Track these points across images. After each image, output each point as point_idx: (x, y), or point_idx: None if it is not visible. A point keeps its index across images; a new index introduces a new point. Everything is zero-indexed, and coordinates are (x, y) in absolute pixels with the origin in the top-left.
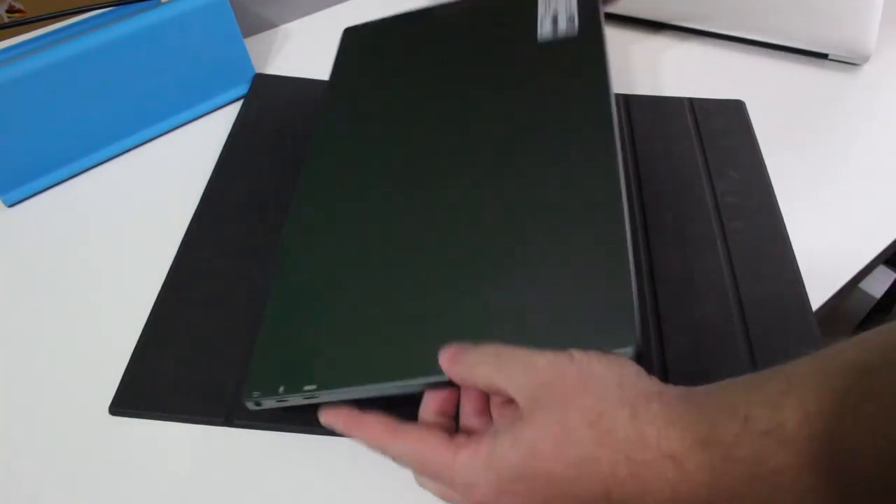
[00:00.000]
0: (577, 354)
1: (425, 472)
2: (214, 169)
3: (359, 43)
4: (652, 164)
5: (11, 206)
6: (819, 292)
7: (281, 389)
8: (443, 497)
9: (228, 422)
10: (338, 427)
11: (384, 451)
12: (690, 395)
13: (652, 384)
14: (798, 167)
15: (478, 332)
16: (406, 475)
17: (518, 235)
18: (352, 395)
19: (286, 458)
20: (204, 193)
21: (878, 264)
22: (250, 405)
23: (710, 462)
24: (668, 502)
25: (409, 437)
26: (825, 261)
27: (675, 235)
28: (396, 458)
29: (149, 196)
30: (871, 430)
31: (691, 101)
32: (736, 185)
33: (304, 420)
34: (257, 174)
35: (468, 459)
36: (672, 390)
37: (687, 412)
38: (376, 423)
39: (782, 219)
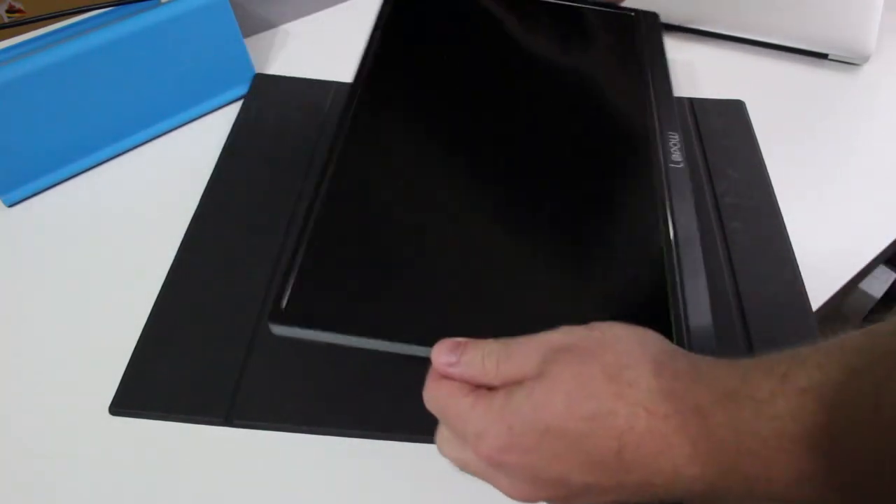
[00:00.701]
0: (596, 323)
1: (446, 418)
2: (214, 169)
3: (413, 9)
4: None
5: (11, 206)
6: (819, 292)
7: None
8: (459, 464)
9: (228, 422)
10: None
11: (424, 392)
12: (719, 358)
13: (676, 347)
14: (798, 167)
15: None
16: (406, 475)
17: (563, 230)
18: (367, 345)
19: (286, 458)
20: (204, 193)
21: (878, 264)
22: (275, 327)
23: (739, 418)
24: (687, 462)
25: (442, 384)
26: (825, 261)
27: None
28: (427, 402)
29: (149, 196)
30: None
31: (691, 100)
32: (736, 185)
33: (304, 420)
34: (257, 174)
35: (483, 410)
36: (698, 354)
37: (716, 367)
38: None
39: (782, 219)
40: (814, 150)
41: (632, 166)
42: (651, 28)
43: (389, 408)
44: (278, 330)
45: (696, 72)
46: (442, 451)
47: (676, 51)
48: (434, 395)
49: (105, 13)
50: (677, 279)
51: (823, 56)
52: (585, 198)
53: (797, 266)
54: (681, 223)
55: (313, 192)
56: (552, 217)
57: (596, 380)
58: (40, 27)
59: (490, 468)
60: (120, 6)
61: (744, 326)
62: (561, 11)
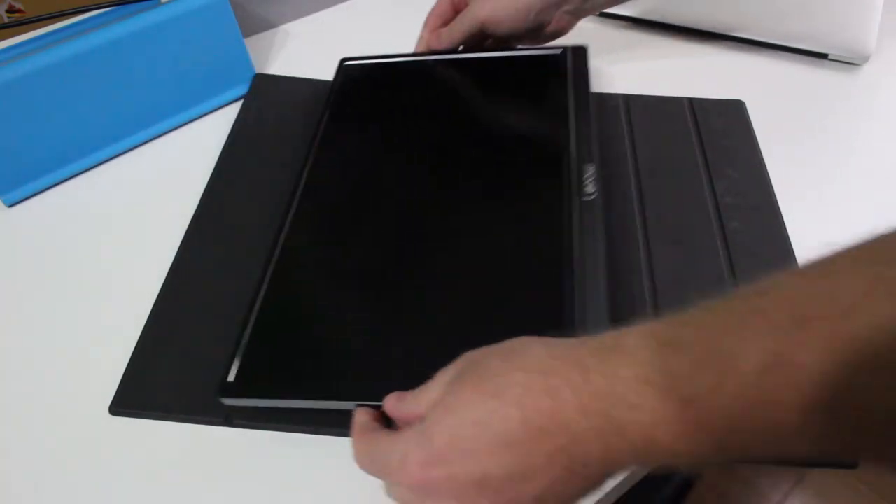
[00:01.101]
0: None
1: (374, 461)
2: (214, 169)
3: (357, 78)
4: (652, 164)
5: (11, 206)
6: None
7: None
8: (403, 500)
9: (228, 421)
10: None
11: (353, 451)
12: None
13: None
14: (798, 167)
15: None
16: None
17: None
18: (296, 405)
19: (286, 458)
20: (204, 193)
21: None
22: (225, 399)
23: (609, 363)
24: (576, 412)
25: (362, 436)
26: None
27: (675, 235)
28: (356, 457)
29: (149, 196)
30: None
31: (691, 101)
32: (736, 185)
33: (304, 420)
34: (257, 174)
35: (404, 436)
36: None
37: (599, 334)
38: (353, 430)
39: (782, 219)
40: (814, 150)
41: (544, 202)
42: (578, 62)
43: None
44: (228, 401)
45: (696, 72)
46: (390, 495)
47: (677, 51)
48: (359, 446)
49: (105, 13)
50: (575, 315)
51: (823, 56)
52: (501, 238)
53: (797, 265)
54: (589, 253)
55: (262, 269)
56: (473, 263)
57: (496, 365)
58: (40, 27)
59: (420, 496)
60: (120, 6)
61: None
62: (491, 62)
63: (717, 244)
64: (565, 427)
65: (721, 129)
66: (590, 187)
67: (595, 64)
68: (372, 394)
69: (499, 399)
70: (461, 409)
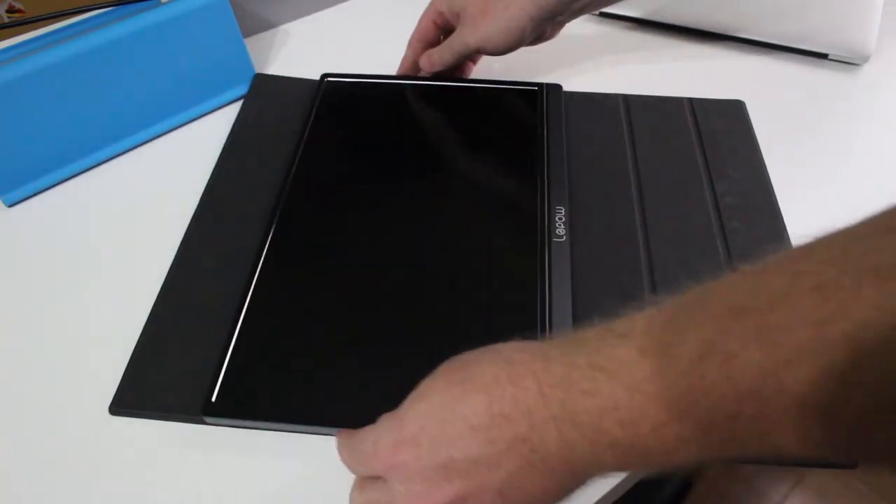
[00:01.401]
0: None
1: (351, 454)
2: (214, 169)
3: (337, 96)
4: (652, 163)
5: (11, 206)
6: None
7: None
8: (364, 499)
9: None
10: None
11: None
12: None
13: None
14: (798, 167)
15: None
16: None
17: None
18: (276, 428)
19: (286, 458)
20: (204, 193)
21: None
22: (207, 418)
23: (570, 355)
24: (535, 399)
25: (345, 434)
26: None
27: (675, 235)
28: (340, 450)
29: (149, 196)
30: None
31: (691, 101)
32: (736, 185)
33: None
34: (257, 174)
35: (379, 421)
36: None
37: (567, 334)
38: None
39: (782, 219)
40: (814, 150)
41: (517, 242)
42: (553, 100)
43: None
44: (211, 420)
45: (696, 72)
46: (352, 494)
47: (676, 51)
48: (341, 441)
49: (105, 13)
50: None
51: (823, 56)
52: (474, 279)
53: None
54: (556, 296)
55: (242, 292)
56: (448, 296)
57: (469, 358)
58: (40, 27)
59: (389, 481)
60: (120, 6)
61: None
62: (469, 92)
63: (717, 244)
64: (527, 414)
65: (721, 129)
66: (560, 229)
67: (595, 64)
68: (355, 420)
69: (466, 385)
70: (432, 395)
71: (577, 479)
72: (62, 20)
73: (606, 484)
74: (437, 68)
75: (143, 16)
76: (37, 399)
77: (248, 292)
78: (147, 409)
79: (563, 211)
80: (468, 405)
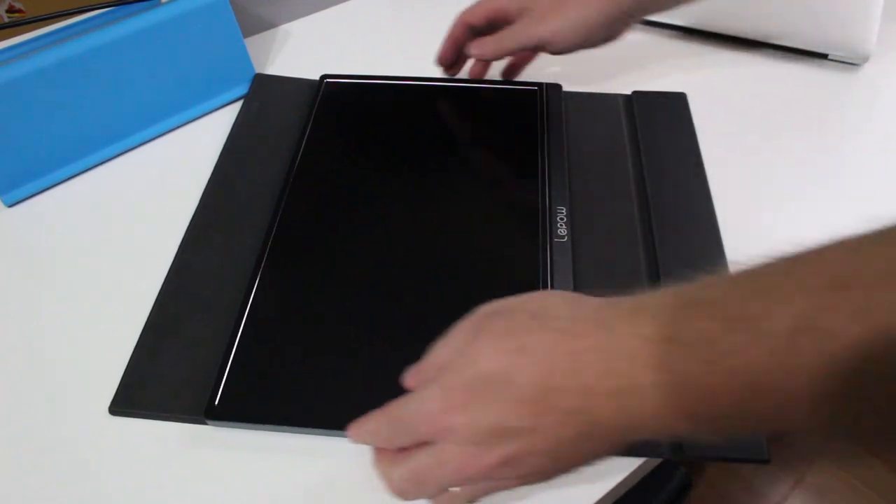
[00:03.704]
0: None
1: (389, 425)
2: (214, 169)
3: (338, 96)
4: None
5: (11, 206)
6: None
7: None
8: (405, 469)
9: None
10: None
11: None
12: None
13: None
14: (798, 167)
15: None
16: None
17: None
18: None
19: (286, 458)
20: (204, 193)
21: None
22: (210, 422)
23: (636, 325)
24: (599, 376)
25: (373, 413)
26: None
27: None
28: (371, 434)
29: (149, 196)
30: None
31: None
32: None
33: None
34: (257, 174)
35: (419, 390)
36: None
37: (622, 298)
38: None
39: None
40: (814, 150)
41: (519, 242)
42: (553, 100)
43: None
44: (213, 424)
45: (696, 72)
46: (384, 476)
47: (676, 51)
48: (373, 421)
49: (105, 13)
50: None
51: (823, 56)
52: (476, 280)
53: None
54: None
55: (244, 294)
56: (450, 298)
57: (521, 321)
58: (40, 27)
59: (437, 445)
60: (120, 6)
61: None
62: (468, 92)
63: (721, 240)
64: (584, 390)
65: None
66: (562, 230)
67: (595, 63)
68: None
69: (522, 356)
70: (483, 362)
71: (630, 440)
72: (62, 20)
73: (606, 485)
74: (490, 55)
75: (143, 16)
76: (37, 399)
77: (249, 294)
78: (147, 410)
79: (564, 211)
80: (523, 375)
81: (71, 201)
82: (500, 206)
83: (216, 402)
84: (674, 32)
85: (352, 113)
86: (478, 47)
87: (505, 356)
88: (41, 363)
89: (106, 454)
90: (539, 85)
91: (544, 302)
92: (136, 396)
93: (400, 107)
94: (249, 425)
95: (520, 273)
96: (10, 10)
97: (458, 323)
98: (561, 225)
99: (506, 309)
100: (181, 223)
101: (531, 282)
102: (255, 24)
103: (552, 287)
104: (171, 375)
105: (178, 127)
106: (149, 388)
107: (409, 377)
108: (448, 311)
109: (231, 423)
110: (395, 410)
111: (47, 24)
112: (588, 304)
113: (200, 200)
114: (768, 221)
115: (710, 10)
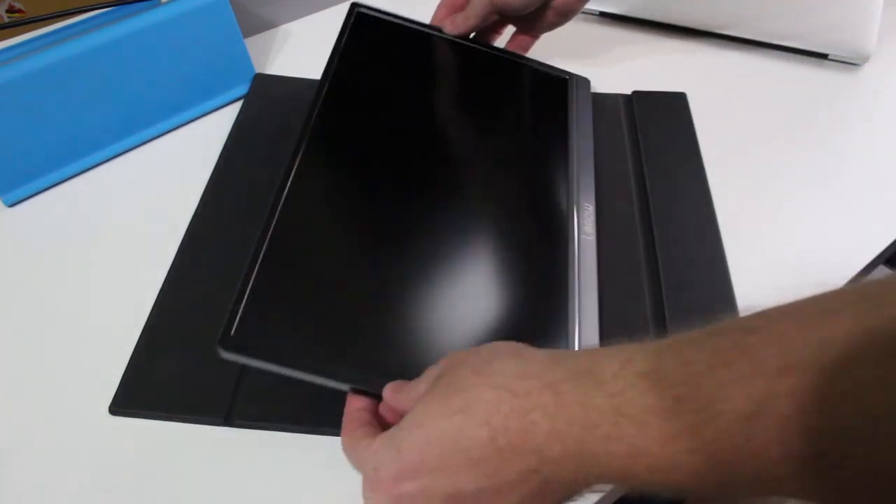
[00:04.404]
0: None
1: (355, 464)
2: (214, 169)
3: (368, 32)
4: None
5: (11, 206)
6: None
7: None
8: None
9: (228, 421)
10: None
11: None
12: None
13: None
14: (798, 167)
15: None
16: None
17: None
18: (292, 375)
19: (286, 458)
20: (204, 193)
21: (878, 264)
22: (223, 352)
23: (585, 393)
24: (547, 439)
25: (349, 435)
26: (825, 261)
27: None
28: (344, 452)
29: (149, 196)
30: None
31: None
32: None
33: (304, 420)
34: (257, 174)
35: (377, 445)
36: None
37: (573, 354)
38: (344, 422)
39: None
40: (814, 150)
41: (548, 236)
42: (582, 95)
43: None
44: (226, 355)
45: (696, 72)
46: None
47: (676, 51)
48: (346, 445)
49: (105, 13)
50: (569, 330)
51: (823, 56)
52: (503, 265)
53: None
54: (585, 294)
55: (266, 220)
56: (481, 265)
57: (466, 377)
58: (40, 27)
59: None
60: (120, 6)
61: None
62: (503, 62)
63: (719, 242)
64: (536, 451)
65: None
66: (588, 227)
67: (595, 63)
68: (367, 381)
69: (466, 415)
70: (428, 424)
71: (589, 488)
72: (62, 20)
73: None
74: (461, 31)
75: (143, 16)
76: (37, 399)
77: (272, 221)
78: (147, 409)
79: (590, 208)
80: (469, 439)
81: (71, 201)
82: (528, 192)
83: (232, 332)
84: (674, 32)
85: (380, 57)
86: (448, 24)
87: (448, 417)
88: (41, 363)
89: (106, 454)
90: (569, 75)
91: (488, 355)
92: (136, 396)
93: (431, 59)
94: (261, 363)
95: (547, 266)
96: (10, 10)
97: (428, 368)
98: (588, 222)
99: (458, 361)
100: (181, 223)
101: (559, 275)
102: (255, 24)
103: (579, 284)
104: (172, 375)
105: (179, 127)
106: (149, 388)
107: (389, 393)
108: (482, 280)
109: (244, 359)
110: (357, 460)
111: (47, 24)
112: (534, 360)
113: (201, 200)
114: (768, 221)
115: (711, 10)
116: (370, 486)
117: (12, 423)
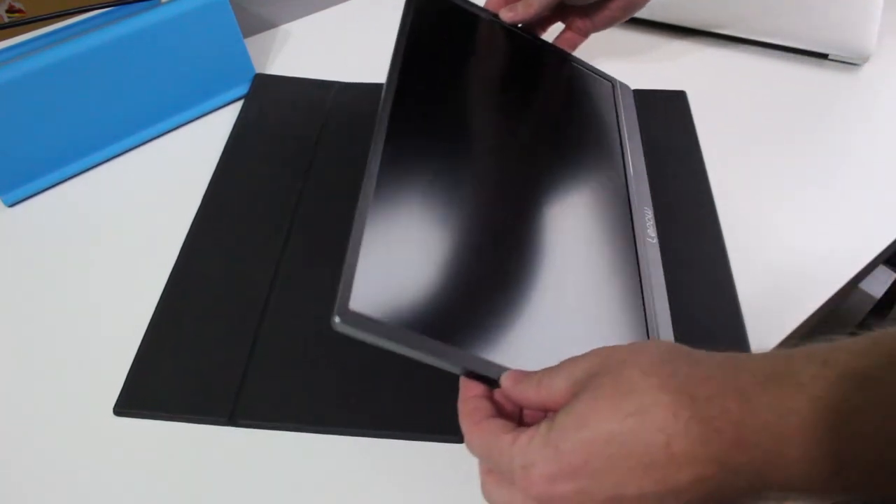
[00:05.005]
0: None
1: (489, 458)
2: (215, 169)
3: (430, 16)
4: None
5: (11, 206)
6: (819, 292)
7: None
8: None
9: (232, 422)
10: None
11: (466, 437)
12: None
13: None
14: (798, 167)
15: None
16: (412, 473)
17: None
18: (406, 353)
19: (289, 458)
20: (205, 193)
21: (878, 264)
22: (337, 320)
23: (783, 398)
24: (731, 447)
25: (480, 426)
26: (825, 261)
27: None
28: (469, 446)
29: (150, 196)
30: None
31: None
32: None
33: (308, 419)
34: (258, 174)
35: (526, 440)
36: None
37: (754, 356)
38: (466, 410)
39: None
40: (814, 150)
41: (615, 240)
42: (627, 102)
43: (394, 406)
44: (342, 328)
45: (696, 72)
46: (488, 497)
47: (676, 51)
48: (477, 438)
49: (105, 13)
50: (648, 332)
51: (823, 56)
52: (572, 265)
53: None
54: (657, 298)
55: (362, 194)
56: (559, 269)
57: (636, 379)
58: (40, 27)
59: None
60: (120, 6)
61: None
62: (557, 58)
63: (720, 241)
64: (718, 460)
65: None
66: (651, 231)
67: (595, 63)
68: (489, 368)
69: (640, 418)
70: (595, 425)
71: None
72: (62, 20)
73: None
74: (520, 18)
75: (143, 16)
76: (41, 400)
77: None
78: (151, 410)
79: (649, 213)
80: (643, 443)
81: (71, 201)
82: (590, 194)
83: (349, 304)
84: (674, 32)
85: (443, 41)
86: (507, 13)
87: (620, 420)
88: (44, 364)
89: (110, 455)
90: (612, 81)
91: (658, 355)
92: (140, 397)
93: (491, 46)
94: (378, 339)
95: (617, 270)
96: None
97: (566, 361)
98: (650, 226)
99: (617, 362)
100: (183, 223)
101: (630, 281)
102: (255, 24)
103: (651, 288)
104: (176, 375)
105: (179, 127)
106: (153, 389)
107: (508, 383)
108: (562, 283)
109: (361, 332)
110: (498, 455)
111: (47, 24)
112: (710, 363)
113: (202, 200)
114: (768, 220)
115: (711, 10)
116: (517, 481)
117: (15, 425)
